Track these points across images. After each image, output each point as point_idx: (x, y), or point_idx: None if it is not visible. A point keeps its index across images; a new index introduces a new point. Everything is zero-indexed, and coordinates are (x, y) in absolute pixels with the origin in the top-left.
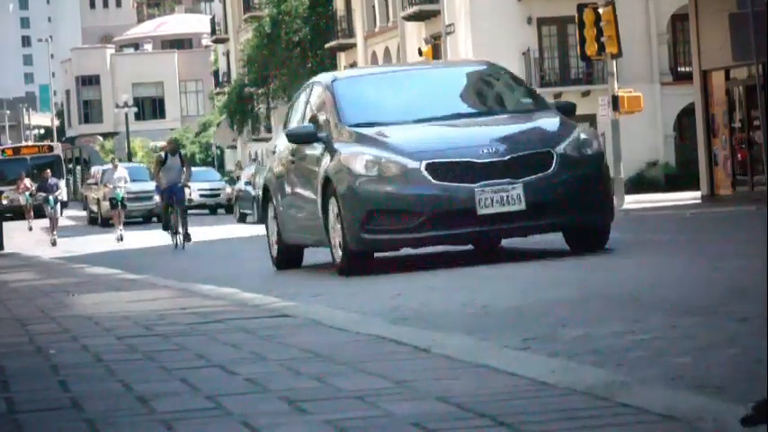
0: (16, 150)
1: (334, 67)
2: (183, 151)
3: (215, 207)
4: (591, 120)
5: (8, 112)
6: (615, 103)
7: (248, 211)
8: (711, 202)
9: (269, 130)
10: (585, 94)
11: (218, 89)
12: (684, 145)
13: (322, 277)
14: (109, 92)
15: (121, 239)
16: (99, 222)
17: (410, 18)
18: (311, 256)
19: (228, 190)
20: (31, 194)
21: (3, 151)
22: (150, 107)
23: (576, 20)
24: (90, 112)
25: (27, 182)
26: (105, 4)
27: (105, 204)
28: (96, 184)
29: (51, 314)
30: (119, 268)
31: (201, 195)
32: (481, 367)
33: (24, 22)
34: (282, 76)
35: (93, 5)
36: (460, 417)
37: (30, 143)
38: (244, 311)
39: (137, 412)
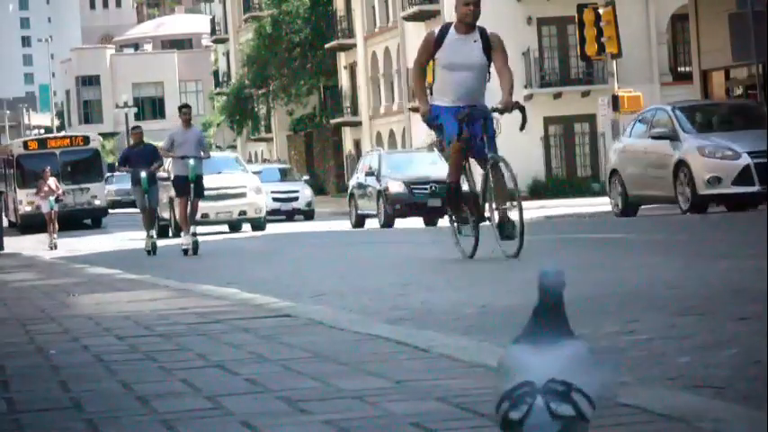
0: (42, 143)
1: (334, 67)
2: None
3: (292, 213)
4: (591, 120)
5: (8, 112)
6: (615, 103)
7: (370, 212)
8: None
9: (269, 130)
10: (585, 94)
11: (218, 89)
12: None
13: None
14: (109, 92)
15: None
16: (170, 231)
17: (410, 18)
18: None
19: (308, 192)
20: (57, 199)
21: (25, 144)
22: (150, 107)
23: (575, 20)
24: (90, 112)
25: (52, 182)
26: (105, 4)
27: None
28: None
29: (52, 314)
30: (119, 268)
31: (276, 200)
32: (481, 367)
33: (24, 23)
34: (282, 77)
35: (93, 5)
36: (460, 417)
37: (60, 134)
38: (244, 311)
39: (137, 412)
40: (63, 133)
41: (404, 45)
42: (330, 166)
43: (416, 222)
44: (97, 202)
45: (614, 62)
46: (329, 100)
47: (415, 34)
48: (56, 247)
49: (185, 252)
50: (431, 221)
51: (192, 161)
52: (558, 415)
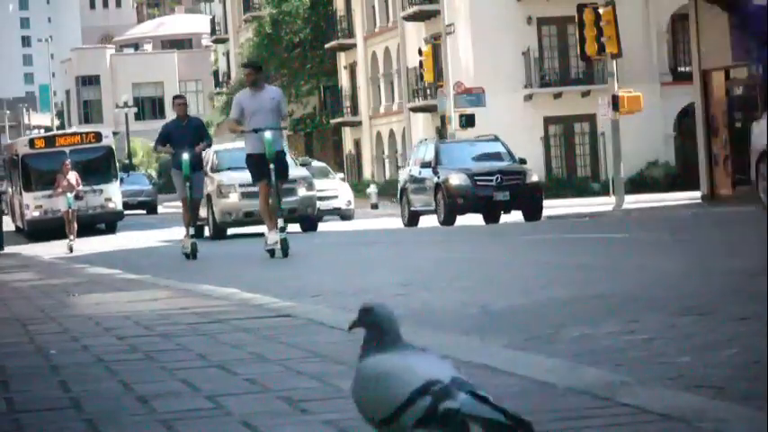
0: (50, 141)
1: (334, 67)
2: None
3: (332, 214)
4: (591, 120)
5: (8, 112)
6: (615, 103)
7: (425, 208)
8: (711, 202)
9: None
10: (585, 94)
11: (218, 89)
12: (684, 145)
13: None
14: (109, 92)
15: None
16: (211, 233)
17: (410, 18)
18: None
19: (347, 190)
20: (77, 196)
21: (31, 142)
22: (150, 107)
23: (575, 20)
24: (90, 112)
25: (72, 176)
26: (105, 4)
27: (229, 205)
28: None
29: (52, 314)
30: (119, 268)
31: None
32: (481, 367)
33: (24, 23)
34: (282, 77)
35: (93, 5)
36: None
37: (69, 131)
38: (244, 311)
39: (137, 412)
40: (73, 129)
41: (404, 45)
42: (330, 166)
43: (478, 219)
44: (111, 205)
45: (614, 62)
46: (329, 100)
47: (415, 34)
48: (71, 250)
49: (272, 253)
50: (493, 218)
51: (268, 134)
52: (485, 400)
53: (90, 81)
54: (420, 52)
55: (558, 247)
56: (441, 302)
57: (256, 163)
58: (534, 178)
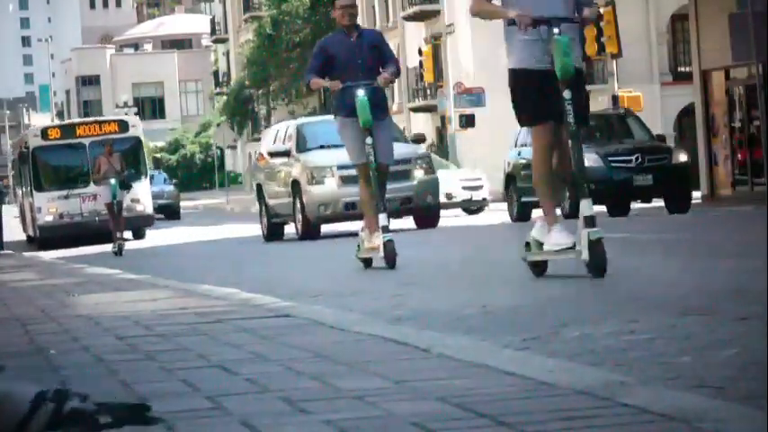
0: (67, 130)
1: None
2: (183, 152)
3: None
4: None
5: (8, 112)
6: (615, 103)
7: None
8: (711, 202)
9: None
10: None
11: (218, 89)
12: (684, 145)
13: None
14: (109, 92)
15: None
16: (300, 232)
17: (410, 18)
18: None
19: (487, 182)
20: (124, 184)
21: (44, 132)
22: (150, 107)
23: None
24: (90, 112)
25: (116, 159)
26: (105, 4)
27: (324, 194)
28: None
29: (52, 314)
30: (119, 268)
31: (465, 188)
32: (481, 367)
33: (24, 23)
34: (282, 77)
35: (93, 5)
36: (460, 417)
37: (90, 119)
38: (244, 311)
39: None
40: (94, 118)
41: (404, 45)
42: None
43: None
44: (140, 208)
45: (614, 62)
46: (329, 100)
47: (415, 34)
48: (121, 252)
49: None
50: (623, 208)
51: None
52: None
53: (90, 81)
54: (420, 52)
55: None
56: (441, 302)
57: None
58: (682, 158)
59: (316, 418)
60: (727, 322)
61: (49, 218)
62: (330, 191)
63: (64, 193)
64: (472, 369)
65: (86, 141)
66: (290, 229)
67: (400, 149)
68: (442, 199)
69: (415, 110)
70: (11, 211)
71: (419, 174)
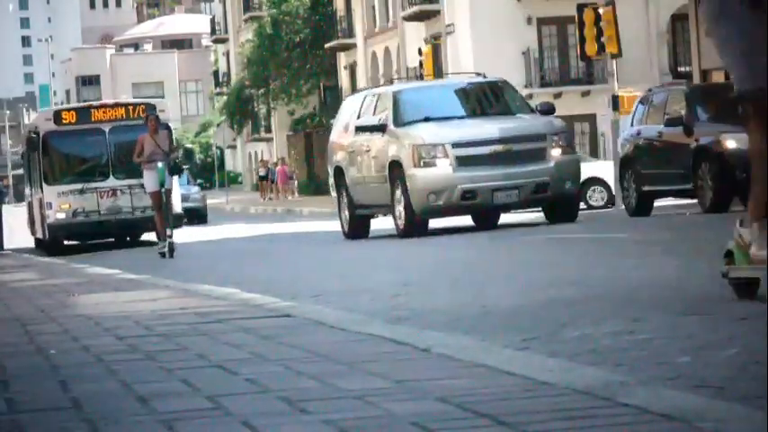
0: (82, 114)
1: (334, 67)
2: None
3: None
4: (591, 120)
5: (8, 112)
6: (615, 103)
7: (670, 186)
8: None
9: (269, 130)
10: (585, 94)
11: (218, 89)
12: None
13: None
14: (109, 92)
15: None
16: (402, 227)
17: (410, 18)
18: None
19: None
20: (176, 168)
21: (57, 116)
22: None
23: (575, 20)
24: None
25: (163, 137)
26: (105, 4)
27: (436, 180)
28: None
29: (52, 314)
30: (118, 268)
31: None
32: (481, 367)
33: (24, 23)
34: (282, 77)
35: (93, 5)
36: (460, 417)
37: (110, 101)
38: (244, 311)
39: (137, 412)
40: (115, 100)
41: (404, 45)
42: None
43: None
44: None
45: (614, 62)
46: (329, 100)
47: (415, 34)
48: (172, 253)
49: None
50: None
51: None
52: None
53: (90, 81)
54: (420, 52)
55: (557, 247)
56: (441, 302)
57: None
58: None
59: (316, 418)
60: (727, 322)
61: (61, 215)
62: (443, 175)
63: (79, 186)
64: (472, 369)
65: (106, 127)
66: (377, 223)
67: (531, 123)
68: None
69: None
70: (11, 211)
71: (556, 153)
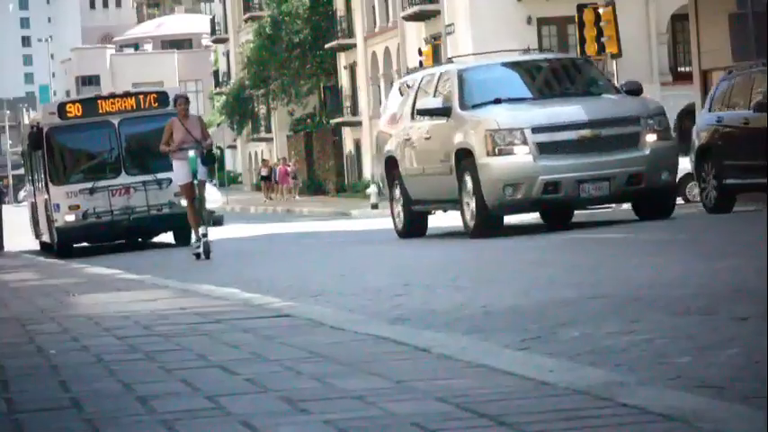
0: (89, 106)
1: (334, 67)
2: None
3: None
4: None
5: (8, 112)
6: None
7: (752, 180)
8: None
9: (269, 130)
10: None
11: (217, 89)
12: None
13: None
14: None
15: None
16: (474, 224)
17: (410, 18)
18: None
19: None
20: (208, 156)
21: (61, 109)
22: None
23: (575, 20)
24: None
25: (194, 122)
26: (105, 4)
27: (513, 171)
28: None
29: (52, 314)
30: (118, 268)
31: None
32: (481, 367)
33: (24, 22)
34: (282, 77)
35: (93, 5)
36: (460, 417)
37: (120, 92)
38: (244, 311)
39: (137, 412)
40: (125, 90)
41: (404, 45)
42: (330, 166)
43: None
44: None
45: (614, 62)
46: (329, 100)
47: (415, 34)
48: (208, 254)
49: None
50: None
51: None
52: None
53: (90, 81)
54: (420, 52)
55: (558, 247)
56: (441, 302)
57: None
58: None
59: (316, 418)
60: (727, 322)
61: (70, 217)
62: (522, 164)
63: (88, 185)
64: (472, 369)
65: (115, 119)
66: (435, 220)
67: (622, 104)
68: None
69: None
70: (11, 212)
71: (651, 139)
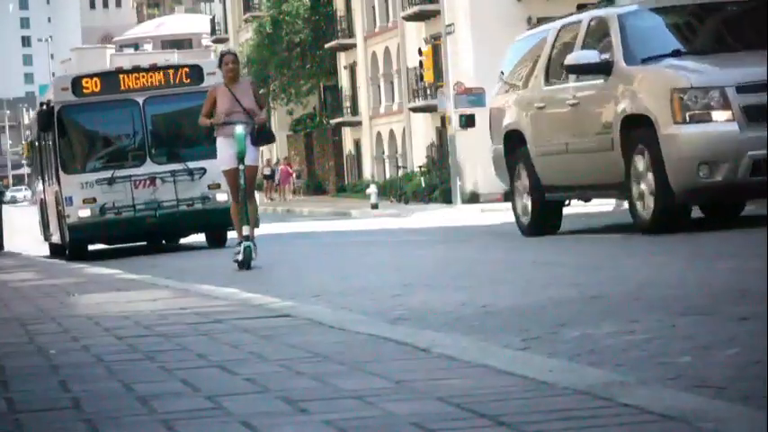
0: (109, 81)
1: (334, 67)
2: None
3: None
4: None
5: (8, 112)
6: None
7: None
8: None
9: None
10: None
11: None
12: None
13: None
14: None
15: None
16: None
17: (410, 18)
18: None
19: None
20: (260, 134)
21: (75, 85)
22: None
23: None
24: None
25: (245, 91)
26: (105, 4)
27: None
28: None
29: (52, 314)
30: (118, 268)
31: None
32: (481, 367)
33: (24, 22)
34: (282, 77)
35: (93, 5)
36: (460, 417)
37: (145, 65)
38: (244, 311)
39: (137, 412)
40: (151, 63)
41: (404, 45)
42: (330, 166)
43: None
44: (221, 198)
45: None
46: (329, 100)
47: (415, 34)
48: (248, 263)
49: None
50: None
51: None
52: None
53: None
54: (420, 52)
55: (558, 247)
56: (441, 302)
57: None
58: None
59: (316, 418)
60: (727, 322)
61: (84, 212)
62: (724, 134)
63: (106, 175)
64: (472, 369)
65: (140, 97)
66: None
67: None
68: None
69: (415, 110)
70: (10, 212)
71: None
